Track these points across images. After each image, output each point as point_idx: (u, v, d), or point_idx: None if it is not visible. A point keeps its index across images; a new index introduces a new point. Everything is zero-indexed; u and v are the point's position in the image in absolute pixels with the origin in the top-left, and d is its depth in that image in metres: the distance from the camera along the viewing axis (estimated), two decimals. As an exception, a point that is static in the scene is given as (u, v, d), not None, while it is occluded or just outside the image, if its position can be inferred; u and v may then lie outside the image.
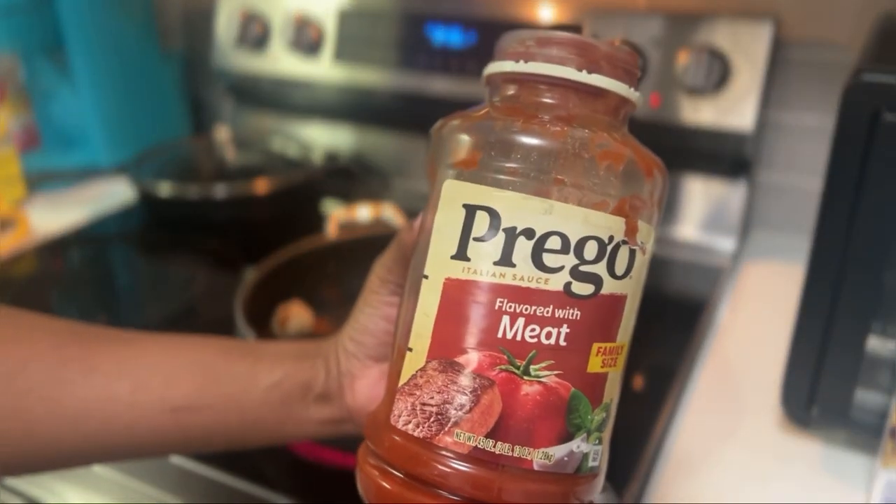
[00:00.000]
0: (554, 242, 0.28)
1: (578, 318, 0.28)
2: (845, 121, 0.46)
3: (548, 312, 0.28)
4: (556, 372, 0.28)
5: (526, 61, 0.30)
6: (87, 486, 0.53)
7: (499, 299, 0.28)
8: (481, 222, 0.28)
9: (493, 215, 0.28)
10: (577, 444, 0.29)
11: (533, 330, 0.28)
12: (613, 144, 0.29)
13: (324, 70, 0.96)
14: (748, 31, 0.77)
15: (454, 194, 0.29)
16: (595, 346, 0.29)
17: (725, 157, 0.82)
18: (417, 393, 0.29)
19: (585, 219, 0.28)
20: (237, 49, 1.03)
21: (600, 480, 0.32)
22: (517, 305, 0.28)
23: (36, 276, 0.84)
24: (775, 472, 0.53)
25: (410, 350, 0.30)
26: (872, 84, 0.44)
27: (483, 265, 0.28)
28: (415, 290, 0.30)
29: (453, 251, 0.29)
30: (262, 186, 0.89)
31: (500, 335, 0.28)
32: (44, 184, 0.99)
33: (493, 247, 0.28)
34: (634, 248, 0.30)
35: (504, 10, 0.87)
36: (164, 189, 0.89)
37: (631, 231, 0.29)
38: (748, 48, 0.77)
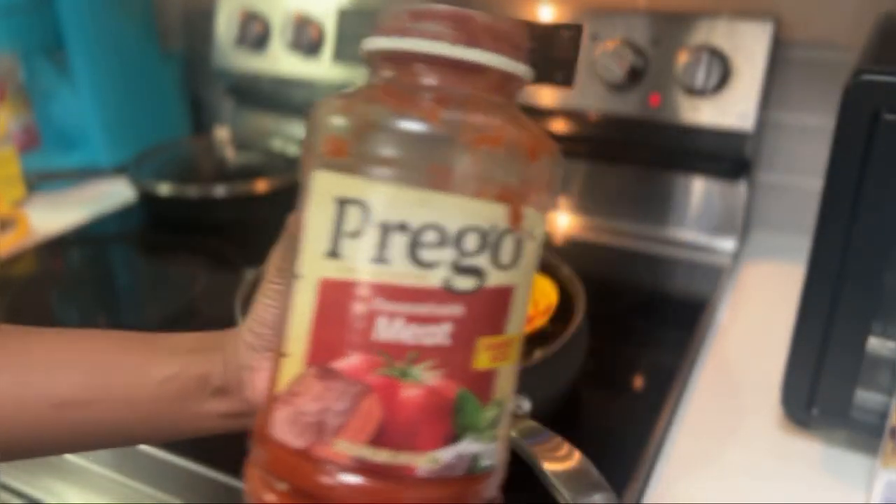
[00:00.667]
0: (431, 236, 0.26)
1: (462, 314, 0.27)
2: (845, 121, 0.46)
3: (428, 310, 0.27)
4: (439, 372, 0.27)
5: (399, 37, 0.27)
6: (87, 486, 0.53)
7: (375, 298, 0.26)
8: (354, 217, 0.26)
9: (366, 209, 0.26)
10: (467, 446, 0.28)
11: (413, 329, 0.27)
12: (493, 127, 0.27)
13: (324, 70, 0.96)
14: (748, 31, 0.77)
15: (325, 186, 0.27)
16: (482, 341, 0.27)
17: (726, 157, 0.82)
18: (295, 402, 0.27)
19: (464, 208, 0.26)
20: (237, 49, 1.03)
21: (497, 478, 0.31)
22: (395, 304, 0.26)
23: (36, 276, 0.84)
24: (775, 472, 0.53)
25: (286, 355, 0.28)
26: (872, 84, 0.44)
27: (357, 263, 0.26)
28: (291, 290, 0.29)
29: (326, 248, 0.27)
30: (262, 186, 0.89)
31: (377, 337, 0.26)
32: (44, 184, 0.99)
33: (367, 243, 0.26)
34: (521, 236, 0.28)
35: (504, 11, 0.87)
36: (164, 189, 0.89)
37: (516, 218, 0.27)
38: (748, 48, 0.77)
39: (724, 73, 0.77)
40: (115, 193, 0.98)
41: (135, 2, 1.02)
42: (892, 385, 0.51)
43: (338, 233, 0.27)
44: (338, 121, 0.27)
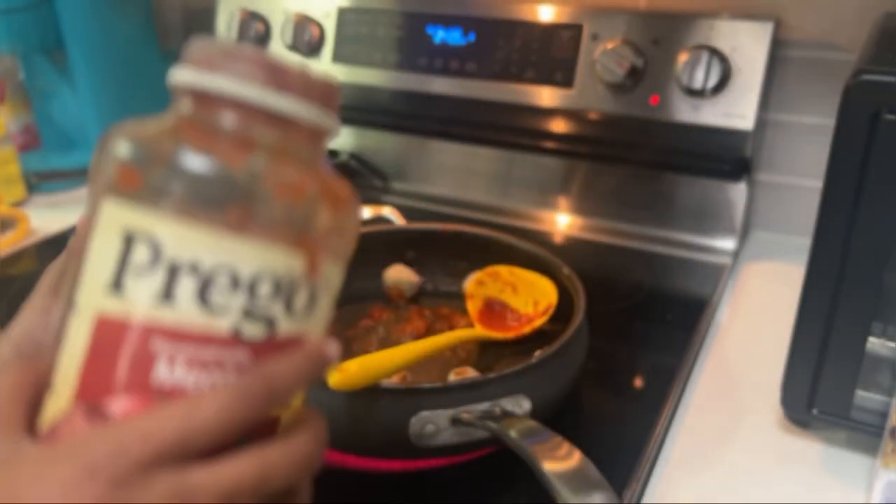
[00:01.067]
0: (222, 279, 0.25)
1: (249, 362, 0.26)
2: (845, 121, 0.46)
3: (213, 356, 0.25)
4: None
5: (209, 73, 0.26)
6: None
7: (156, 340, 0.25)
8: (142, 252, 0.25)
9: (155, 245, 0.25)
10: None
11: (195, 375, 0.25)
12: (295, 177, 0.26)
13: (324, 70, 0.96)
14: (748, 32, 0.77)
15: (113, 216, 0.25)
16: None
17: (725, 157, 0.82)
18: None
19: (259, 254, 0.25)
20: (237, 49, 1.02)
21: None
22: (177, 347, 0.25)
23: (36, 276, 0.83)
24: (775, 473, 0.53)
25: (53, 390, 0.26)
26: (872, 84, 0.44)
27: (140, 301, 0.25)
28: (65, 319, 0.26)
29: (107, 282, 0.25)
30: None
31: (156, 380, 0.25)
32: (44, 184, 0.99)
33: (154, 282, 0.24)
34: (317, 285, 0.27)
35: (504, 10, 0.87)
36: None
37: (313, 268, 0.26)
38: (748, 48, 0.77)
39: (724, 74, 0.77)
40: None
41: (135, 1, 1.02)
42: (891, 385, 0.51)
43: (122, 266, 0.25)
44: (134, 150, 0.25)
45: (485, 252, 0.68)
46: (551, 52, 0.85)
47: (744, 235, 0.85)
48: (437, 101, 0.91)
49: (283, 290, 0.26)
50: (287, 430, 0.27)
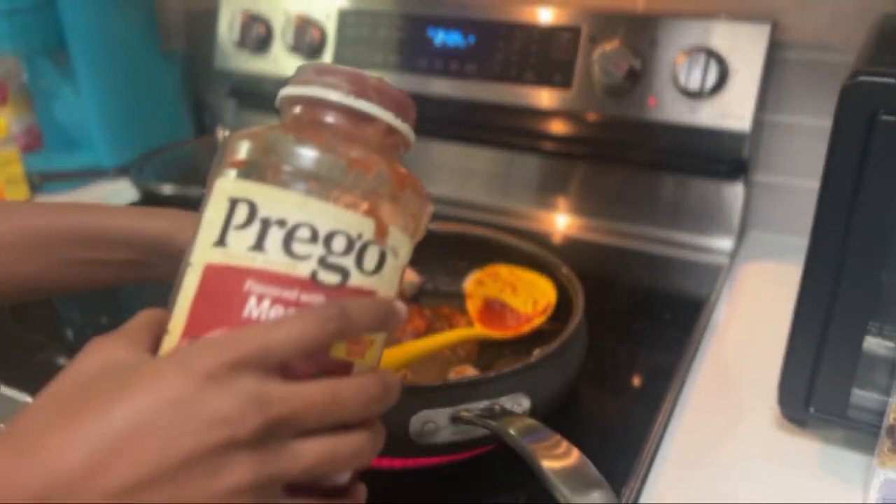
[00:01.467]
0: (304, 233, 0.30)
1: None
2: (843, 122, 0.46)
3: (293, 296, 0.30)
4: None
5: (305, 86, 0.34)
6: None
7: (248, 281, 0.30)
8: (241, 213, 0.31)
9: (252, 206, 0.30)
10: None
11: (278, 311, 0.30)
12: (365, 155, 0.32)
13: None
14: (746, 33, 0.77)
15: (223, 190, 0.32)
16: (335, 349, 0.30)
17: (723, 157, 0.82)
18: None
19: (335, 215, 0.30)
20: (239, 50, 1.03)
21: None
22: (265, 287, 0.30)
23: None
24: (772, 472, 0.53)
25: (168, 333, 0.31)
26: (870, 85, 0.45)
27: (238, 250, 0.30)
28: (180, 279, 0.32)
29: (215, 239, 0.31)
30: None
31: (245, 315, 0.29)
32: (46, 184, 0.99)
33: (249, 234, 0.30)
34: (385, 249, 0.32)
35: (504, 13, 0.87)
36: (167, 190, 0.90)
37: (381, 233, 0.31)
38: (745, 50, 0.77)
39: (721, 75, 0.78)
40: (118, 194, 0.98)
41: (137, 3, 1.03)
42: (888, 384, 0.51)
43: (227, 225, 0.31)
44: (242, 142, 0.32)
45: (485, 252, 0.68)
46: (550, 54, 0.86)
47: (741, 236, 0.86)
48: (437, 103, 0.91)
49: (355, 247, 0.31)
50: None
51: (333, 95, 0.33)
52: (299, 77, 0.34)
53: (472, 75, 0.89)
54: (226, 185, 0.32)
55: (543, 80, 0.86)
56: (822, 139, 0.47)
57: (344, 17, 0.95)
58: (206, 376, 0.27)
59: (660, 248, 0.84)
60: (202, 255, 0.31)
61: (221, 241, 0.31)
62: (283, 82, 0.35)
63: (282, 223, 0.30)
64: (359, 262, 0.31)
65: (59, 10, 0.94)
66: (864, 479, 0.52)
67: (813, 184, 0.49)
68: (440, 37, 0.90)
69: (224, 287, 0.30)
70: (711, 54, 0.78)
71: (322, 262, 0.30)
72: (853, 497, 0.51)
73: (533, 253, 0.67)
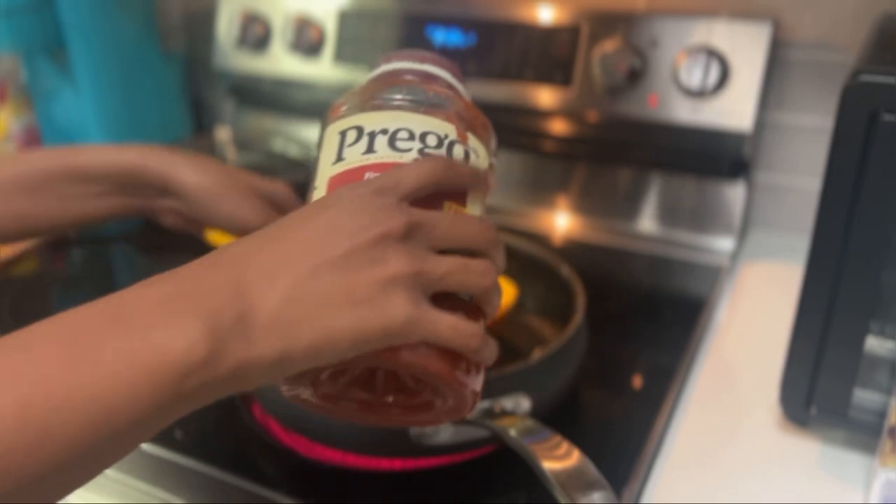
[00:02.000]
0: (403, 134, 0.37)
1: None
2: (844, 121, 0.46)
3: None
4: None
5: (387, 63, 0.43)
6: (87, 486, 0.53)
7: (367, 173, 0.36)
8: (351, 135, 0.38)
9: (359, 129, 0.38)
10: None
11: None
12: (438, 85, 0.41)
13: (324, 71, 0.96)
14: (747, 32, 0.77)
15: (332, 129, 0.39)
16: (446, 203, 0.36)
17: (724, 157, 0.82)
18: None
19: (424, 121, 0.38)
20: (238, 50, 1.03)
21: None
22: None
23: (36, 275, 0.84)
24: (774, 472, 0.53)
25: None
26: (871, 84, 0.44)
27: (354, 157, 0.37)
28: (308, 203, 0.37)
29: (333, 160, 0.38)
30: (262, 187, 0.89)
31: None
32: (45, 184, 0.99)
33: (361, 145, 0.37)
34: (467, 149, 0.38)
35: (504, 12, 0.87)
36: (165, 189, 0.89)
37: (462, 136, 0.38)
38: (747, 49, 0.77)
39: (722, 74, 0.78)
40: (116, 194, 0.98)
41: (136, 2, 1.03)
42: (890, 384, 0.51)
43: (341, 147, 0.38)
44: (340, 99, 0.41)
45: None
46: (551, 54, 0.85)
47: (742, 235, 0.86)
48: (437, 102, 0.91)
49: (444, 143, 0.38)
50: None
51: (408, 64, 0.42)
52: (385, 57, 0.43)
53: (471, 74, 0.88)
54: (334, 126, 0.39)
55: (544, 79, 0.86)
56: (823, 139, 0.47)
57: (343, 16, 0.95)
58: (358, 198, 0.34)
59: (660, 247, 0.84)
60: (324, 174, 0.37)
61: (339, 158, 0.37)
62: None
63: (384, 132, 0.37)
64: (449, 155, 0.37)
65: (59, 9, 0.94)
66: (866, 479, 0.52)
67: (814, 183, 0.49)
68: (440, 35, 0.90)
69: (347, 183, 0.36)
70: (712, 54, 0.77)
71: (421, 153, 0.37)
72: (854, 498, 0.50)
73: (533, 253, 0.67)
